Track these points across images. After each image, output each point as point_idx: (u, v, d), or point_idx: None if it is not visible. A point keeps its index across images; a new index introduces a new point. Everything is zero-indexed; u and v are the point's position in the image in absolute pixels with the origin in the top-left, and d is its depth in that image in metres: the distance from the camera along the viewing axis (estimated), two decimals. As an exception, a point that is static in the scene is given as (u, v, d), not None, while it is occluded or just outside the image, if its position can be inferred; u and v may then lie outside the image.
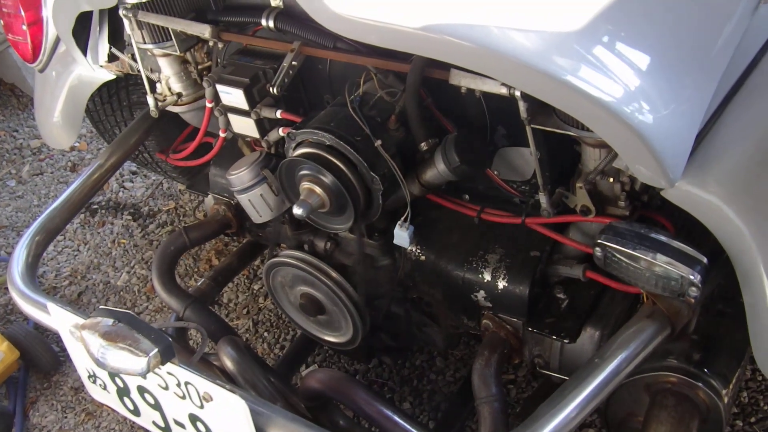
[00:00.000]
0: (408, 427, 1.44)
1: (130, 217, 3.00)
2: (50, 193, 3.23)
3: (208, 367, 1.62)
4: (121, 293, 2.67)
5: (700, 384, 1.35)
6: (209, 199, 1.96)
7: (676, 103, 1.02)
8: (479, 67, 1.05)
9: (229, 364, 1.59)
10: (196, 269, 2.70)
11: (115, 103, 2.28)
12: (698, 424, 1.38)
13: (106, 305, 2.63)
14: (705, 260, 1.13)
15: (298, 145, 1.37)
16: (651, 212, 1.40)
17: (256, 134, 1.60)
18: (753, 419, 1.90)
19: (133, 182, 3.19)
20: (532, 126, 1.21)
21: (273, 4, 1.45)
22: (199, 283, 2.02)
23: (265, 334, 2.41)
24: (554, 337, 1.43)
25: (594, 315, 1.49)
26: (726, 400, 1.37)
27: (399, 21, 1.02)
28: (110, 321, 1.15)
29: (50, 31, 1.84)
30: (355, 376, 2.18)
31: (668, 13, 1.05)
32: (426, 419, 2.04)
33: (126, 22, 1.57)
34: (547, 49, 0.99)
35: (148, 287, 2.65)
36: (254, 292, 2.55)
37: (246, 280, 2.59)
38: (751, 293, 1.10)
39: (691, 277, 1.11)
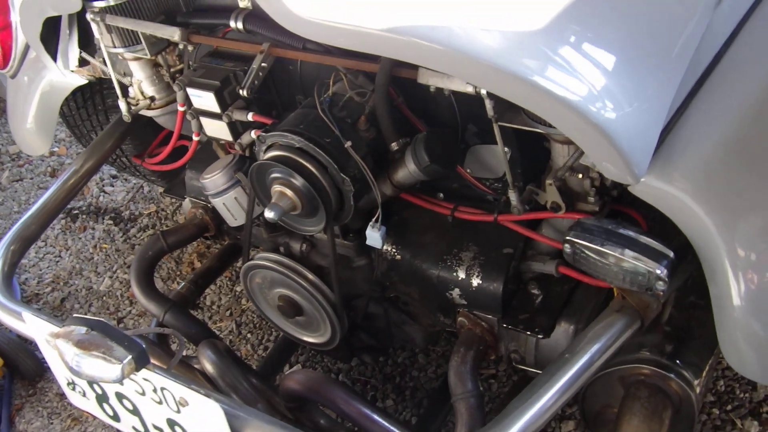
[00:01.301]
0: (387, 425, 1.45)
1: (111, 222, 2.99)
2: (30, 199, 3.21)
3: (189, 370, 1.63)
4: (104, 298, 2.66)
5: (672, 375, 1.37)
6: (186, 203, 1.95)
7: (640, 101, 1.03)
8: (445, 67, 1.06)
9: (209, 367, 1.60)
10: (178, 272, 2.70)
11: (90, 107, 2.27)
12: (671, 414, 1.40)
13: (89, 311, 2.63)
14: (671, 255, 1.15)
15: (269, 148, 1.37)
16: (623, 206, 1.42)
17: (228, 137, 1.60)
18: (729, 407, 1.92)
19: (113, 186, 3.17)
20: (500, 124, 1.22)
21: (241, 5, 1.45)
22: (179, 287, 2.02)
23: (249, 335, 2.41)
24: (528, 332, 1.44)
25: (568, 309, 1.50)
26: (698, 390, 1.39)
27: (363, 23, 1.02)
28: (83, 329, 1.15)
29: (20, 37, 1.83)
30: (338, 375, 2.19)
31: (631, 12, 1.06)
32: (409, 415, 2.05)
33: (94, 26, 1.57)
34: (512, 49, 1.00)
35: (130, 292, 2.64)
36: (237, 293, 2.55)
37: (228, 282, 2.59)
38: (717, 286, 1.12)
39: (658, 271, 1.13)
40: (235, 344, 2.39)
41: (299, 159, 1.31)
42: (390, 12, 1.02)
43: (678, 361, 1.40)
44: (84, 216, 3.04)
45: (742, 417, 1.90)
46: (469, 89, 1.13)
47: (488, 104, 1.14)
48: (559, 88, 0.99)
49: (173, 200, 2.99)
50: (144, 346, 1.12)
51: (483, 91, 1.10)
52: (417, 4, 1.03)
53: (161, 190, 3.02)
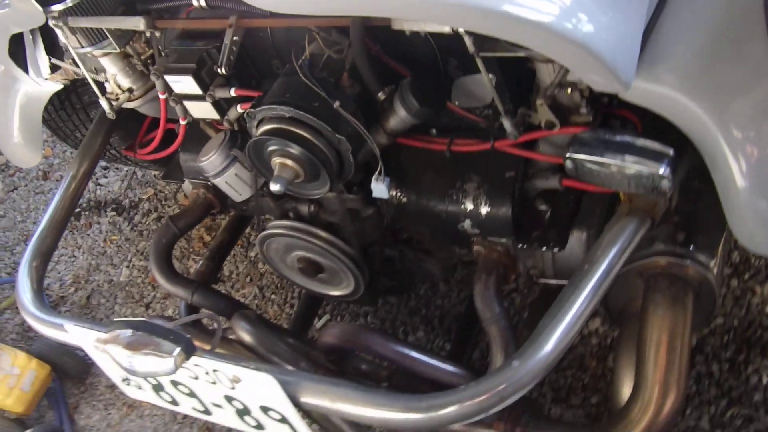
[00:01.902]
0: (424, 358, 1.52)
1: (114, 213, 3.02)
2: (30, 206, 3.23)
3: (228, 344, 1.69)
4: (127, 288, 2.72)
5: (687, 262, 1.41)
6: (187, 185, 1.97)
7: (614, 9, 1.04)
8: (417, 15, 1.06)
9: (246, 337, 1.65)
10: (191, 249, 2.75)
11: (68, 108, 2.27)
12: (693, 298, 1.46)
13: (115, 302, 2.70)
14: (671, 152, 1.17)
15: (260, 123, 1.38)
16: (617, 110, 1.43)
17: (215, 116, 1.60)
18: (746, 276, 2.00)
19: (107, 177, 3.18)
20: (482, 55, 1.22)
21: None
22: (198, 266, 2.07)
23: (273, 296, 2.48)
24: (544, 248, 1.49)
25: (578, 218, 1.54)
26: (715, 270, 1.44)
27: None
28: (129, 332, 1.20)
29: (-12, 57, 1.81)
30: (366, 316, 2.26)
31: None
32: (441, 342, 2.13)
33: (58, 30, 1.55)
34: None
35: (151, 277, 2.70)
36: (252, 259, 2.60)
37: (242, 250, 2.64)
38: (719, 171, 1.15)
39: (661, 171, 1.16)
40: (262, 307, 2.46)
41: (292, 128, 1.32)
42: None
43: (691, 247, 1.44)
44: (86, 213, 3.07)
45: (760, 283, 1.98)
46: (446, 30, 1.13)
47: (468, 40, 1.14)
48: (531, 12, 0.99)
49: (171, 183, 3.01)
50: (189, 336, 1.17)
51: (460, 29, 1.10)
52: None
53: (155, 173, 3.03)
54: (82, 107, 2.26)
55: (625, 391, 1.43)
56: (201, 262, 2.06)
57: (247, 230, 2.59)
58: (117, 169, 3.18)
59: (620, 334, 1.64)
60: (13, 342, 2.68)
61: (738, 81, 1.10)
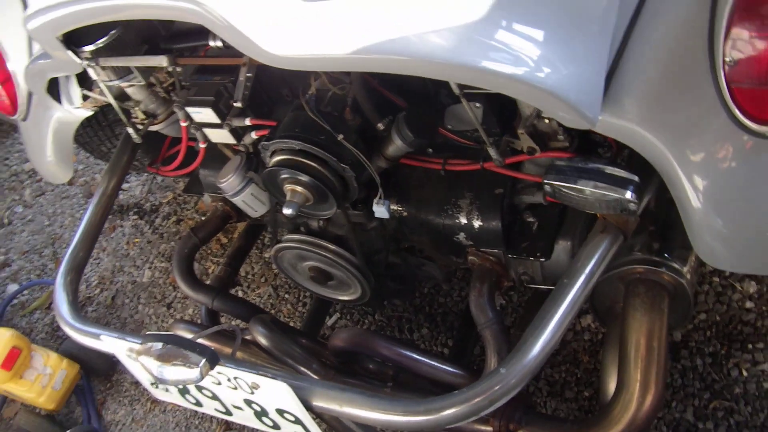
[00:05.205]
0: (424, 359, 1.68)
1: (136, 216, 3.19)
2: (57, 211, 3.41)
3: (247, 347, 1.86)
4: (149, 289, 2.90)
5: (662, 269, 1.56)
6: (206, 198, 2.14)
7: (576, 59, 1.17)
8: (408, 71, 1.21)
9: (263, 341, 1.82)
10: (209, 251, 2.91)
11: (95, 125, 2.44)
12: (669, 302, 1.60)
13: (138, 303, 2.87)
14: (636, 179, 1.32)
15: (273, 153, 1.54)
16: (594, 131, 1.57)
17: (232, 140, 1.77)
18: (728, 273, 2.13)
19: (128, 182, 3.35)
20: (465, 92, 1.36)
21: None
22: (217, 272, 2.24)
23: (286, 296, 2.64)
24: (531, 258, 1.64)
25: (563, 228, 1.69)
26: (688, 276, 1.59)
27: (332, 51, 1.17)
28: (159, 345, 1.37)
29: (22, 85, 1.97)
30: (374, 314, 2.43)
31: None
32: (444, 339, 2.29)
33: (90, 70, 1.71)
34: (458, 45, 1.14)
35: (171, 278, 2.87)
36: (266, 260, 2.77)
37: (257, 251, 2.81)
38: (678, 195, 1.29)
39: (626, 196, 1.31)
40: (276, 306, 2.63)
41: (302, 159, 1.48)
42: (351, 37, 1.16)
43: (666, 255, 1.58)
44: (110, 216, 3.24)
45: (740, 280, 2.11)
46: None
47: (453, 86, 1.29)
48: (505, 66, 1.14)
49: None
50: (212, 349, 1.34)
51: (454, 85, 1.24)
52: (371, 27, 1.16)
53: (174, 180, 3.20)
54: (108, 125, 2.43)
55: (612, 387, 1.57)
56: (220, 267, 2.23)
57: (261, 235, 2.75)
58: (137, 173, 3.35)
59: (607, 333, 1.79)
60: (43, 341, 2.86)
61: (689, 116, 1.23)
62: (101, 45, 1.67)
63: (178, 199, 3.19)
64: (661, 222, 1.64)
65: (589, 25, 1.20)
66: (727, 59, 1.15)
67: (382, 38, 1.15)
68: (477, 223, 1.65)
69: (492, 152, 1.46)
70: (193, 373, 1.33)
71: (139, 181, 3.34)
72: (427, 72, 1.19)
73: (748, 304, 2.05)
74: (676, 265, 1.57)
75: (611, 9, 1.22)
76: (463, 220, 1.66)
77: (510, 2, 1.15)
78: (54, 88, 1.91)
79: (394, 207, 1.75)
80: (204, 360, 1.32)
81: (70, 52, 1.56)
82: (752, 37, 1.11)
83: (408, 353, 1.70)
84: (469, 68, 1.14)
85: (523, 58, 1.14)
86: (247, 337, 1.90)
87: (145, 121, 1.91)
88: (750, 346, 1.98)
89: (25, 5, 1.95)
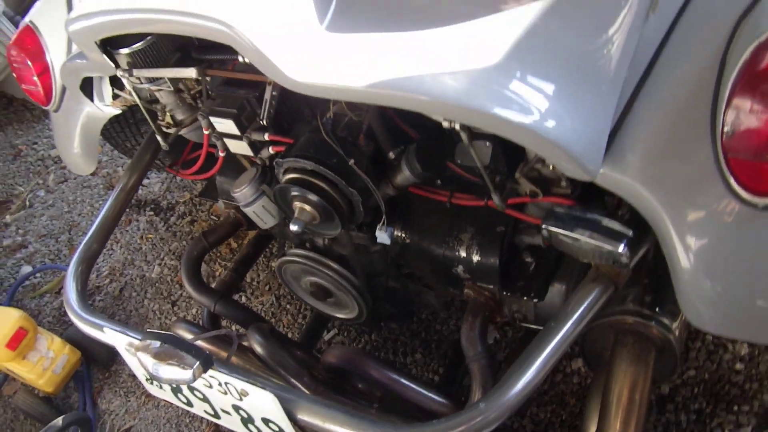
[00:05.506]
0: (412, 385, 1.73)
1: (152, 213, 3.27)
2: (77, 199, 3.51)
3: (243, 353, 1.91)
4: (157, 285, 2.97)
5: (652, 323, 1.59)
6: (221, 204, 2.21)
7: (582, 115, 1.23)
8: (422, 110, 1.26)
9: (258, 349, 1.87)
10: (218, 254, 2.98)
11: (122, 121, 2.52)
12: (655, 356, 1.63)
13: (145, 297, 2.94)
14: (630, 233, 1.36)
15: (286, 170, 1.60)
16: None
17: (250, 153, 1.83)
18: (716, 333, 2.14)
19: (149, 178, 3.44)
20: (474, 141, 1.42)
21: None
22: (223, 276, 2.30)
23: (288, 306, 2.70)
24: (525, 297, 1.68)
25: (560, 271, 1.73)
26: (677, 332, 1.62)
27: (348, 82, 1.23)
28: (158, 343, 1.43)
29: (58, 78, 2.06)
30: (371, 334, 2.47)
31: (566, 45, 1.24)
32: (436, 366, 2.33)
33: (124, 80, 1.79)
34: (472, 90, 1.20)
35: (179, 276, 2.94)
36: (272, 269, 2.82)
37: (264, 260, 2.87)
38: (669, 253, 1.33)
39: (619, 249, 1.34)
40: (277, 315, 2.68)
41: (312, 179, 1.54)
42: (368, 71, 1.22)
43: (657, 309, 1.62)
44: (128, 210, 3.31)
45: (732, 341, 2.13)
46: (445, 124, 1.32)
47: (463, 135, 1.34)
48: (515, 115, 1.19)
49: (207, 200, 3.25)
50: (207, 353, 1.39)
51: (456, 126, 1.29)
52: (389, 63, 1.23)
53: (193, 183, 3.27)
54: (134, 122, 2.52)
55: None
56: (226, 272, 2.29)
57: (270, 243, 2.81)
58: (158, 171, 3.44)
59: (593, 379, 1.82)
60: (50, 324, 2.94)
61: (687, 178, 1.28)
62: (137, 49, 1.75)
63: (195, 200, 3.27)
64: (656, 276, 1.67)
65: (599, 85, 1.26)
66: (726, 128, 1.19)
67: (398, 75, 1.21)
68: (476, 258, 1.70)
69: (495, 198, 1.51)
70: (186, 374, 1.38)
71: (159, 179, 3.43)
72: (439, 112, 1.25)
73: (738, 366, 2.07)
74: (666, 321, 1.61)
75: (621, 71, 1.28)
76: (463, 254, 1.71)
77: (526, 55, 1.21)
78: (87, 85, 2.00)
79: (398, 233, 1.81)
80: (198, 363, 1.38)
81: (105, 57, 1.64)
82: (751, 110, 1.15)
83: (397, 377, 1.74)
84: (480, 113, 1.19)
85: (532, 109, 1.20)
86: (245, 344, 1.95)
87: (171, 127, 1.99)
88: (736, 407, 2.00)
89: (69, 5, 2.05)
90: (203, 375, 1.43)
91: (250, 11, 1.32)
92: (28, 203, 3.57)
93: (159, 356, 1.40)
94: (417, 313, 2.45)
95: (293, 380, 1.78)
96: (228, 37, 1.33)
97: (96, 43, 1.61)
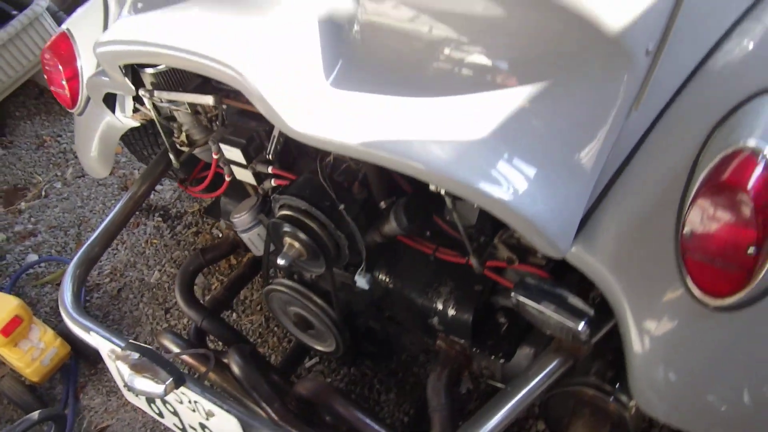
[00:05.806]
0: (376, 427, 1.79)
1: (160, 219, 3.37)
2: (91, 195, 3.62)
3: (221, 371, 1.99)
4: (154, 290, 3.05)
5: (610, 399, 1.65)
6: (222, 224, 2.30)
7: (557, 198, 1.31)
8: (410, 173, 1.34)
9: (236, 370, 1.95)
10: (217, 268, 3.06)
11: (141, 131, 2.64)
12: (609, 430, 1.69)
13: (141, 300, 3.03)
14: (591, 313, 1.43)
15: (282, 206, 1.70)
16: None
17: (253, 182, 1.93)
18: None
19: (162, 185, 3.55)
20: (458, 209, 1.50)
21: None
22: (215, 292, 2.39)
23: (276, 328, 2.77)
24: (493, 356, 1.75)
25: (530, 335, 1.80)
26: (632, 411, 1.67)
27: (343, 139, 1.32)
28: (137, 355, 1.51)
29: (86, 83, 2.18)
30: (350, 367, 2.53)
31: (550, 135, 1.33)
32: (408, 407, 2.38)
33: (146, 100, 1.90)
34: (459, 162, 1.28)
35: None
36: (266, 291, 2.90)
37: (260, 280, 2.94)
38: (625, 336, 1.40)
39: (579, 327, 1.41)
40: (264, 336, 2.75)
41: (304, 219, 1.63)
42: (363, 130, 1.31)
43: (617, 386, 1.68)
44: (138, 212, 3.42)
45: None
46: (432, 187, 1.40)
47: (448, 201, 1.42)
48: (496, 190, 1.28)
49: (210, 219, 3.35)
50: (181, 371, 1.47)
51: (442, 191, 1.38)
52: (387, 126, 1.32)
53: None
54: (153, 133, 2.63)
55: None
56: (218, 289, 2.38)
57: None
58: (171, 180, 3.54)
59: (553, 442, 1.87)
60: (46, 315, 3.02)
61: (649, 268, 1.35)
62: (162, 70, 1.87)
63: (202, 212, 3.36)
64: (620, 354, 1.73)
65: (576, 173, 1.34)
66: (686, 229, 1.26)
67: (390, 138, 1.30)
68: (451, 312, 1.77)
69: (474, 261, 1.59)
70: (159, 388, 1.46)
71: (172, 186, 3.53)
72: (426, 178, 1.33)
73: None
74: (623, 398, 1.66)
75: (599, 162, 1.36)
76: (440, 306, 1.78)
77: (514, 137, 1.30)
78: (110, 96, 2.11)
79: (382, 276, 1.88)
80: (171, 379, 1.46)
81: (127, 80, 1.75)
82: (709, 215, 1.22)
83: (362, 417, 1.80)
84: (463, 185, 1.28)
85: (512, 187, 1.28)
86: (225, 361, 2.03)
87: (185, 145, 2.09)
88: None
89: (106, 20, 2.17)
90: (175, 390, 1.51)
91: (260, 60, 1.43)
92: (44, 193, 3.69)
93: (136, 368, 1.49)
94: (397, 353, 2.51)
95: (264, 405, 1.85)
96: (237, 82, 1.43)
97: (120, 67, 1.72)
